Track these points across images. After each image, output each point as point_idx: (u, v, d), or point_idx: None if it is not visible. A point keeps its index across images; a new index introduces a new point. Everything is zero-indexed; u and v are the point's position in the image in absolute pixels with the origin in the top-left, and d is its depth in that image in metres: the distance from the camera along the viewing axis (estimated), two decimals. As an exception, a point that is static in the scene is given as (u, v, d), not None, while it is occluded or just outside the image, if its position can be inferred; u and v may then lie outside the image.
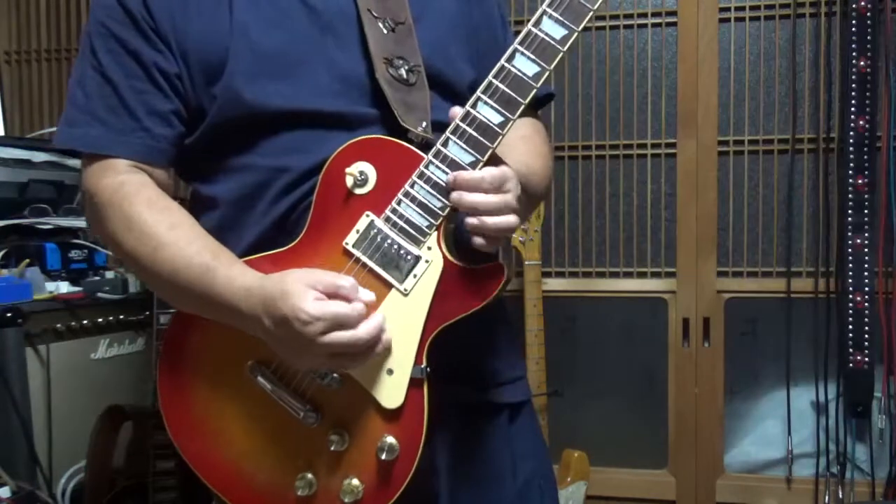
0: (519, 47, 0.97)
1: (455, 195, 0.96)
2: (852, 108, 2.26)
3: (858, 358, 2.28)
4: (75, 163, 2.25)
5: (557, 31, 0.97)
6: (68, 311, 1.93)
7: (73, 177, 2.27)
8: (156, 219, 1.01)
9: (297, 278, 0.94)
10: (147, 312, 2.07)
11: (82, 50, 1.08)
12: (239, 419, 1.05)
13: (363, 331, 0.92)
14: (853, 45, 2.24)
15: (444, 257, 0.98)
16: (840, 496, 2.34)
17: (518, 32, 1.00)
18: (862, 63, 2.24)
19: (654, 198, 2.49)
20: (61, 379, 1.87)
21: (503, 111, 0.97)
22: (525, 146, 1.14)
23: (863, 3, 2.23)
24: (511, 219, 0.96)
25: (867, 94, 2.25)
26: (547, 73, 0.97)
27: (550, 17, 0.97)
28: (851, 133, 2.26)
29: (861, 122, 2.25)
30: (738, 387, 2.49)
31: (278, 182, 1.03)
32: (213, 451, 1.07)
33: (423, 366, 0.98)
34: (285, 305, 0.91)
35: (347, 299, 0.93)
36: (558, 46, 0.97)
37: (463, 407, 1.11)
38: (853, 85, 2.25)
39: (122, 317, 2.05)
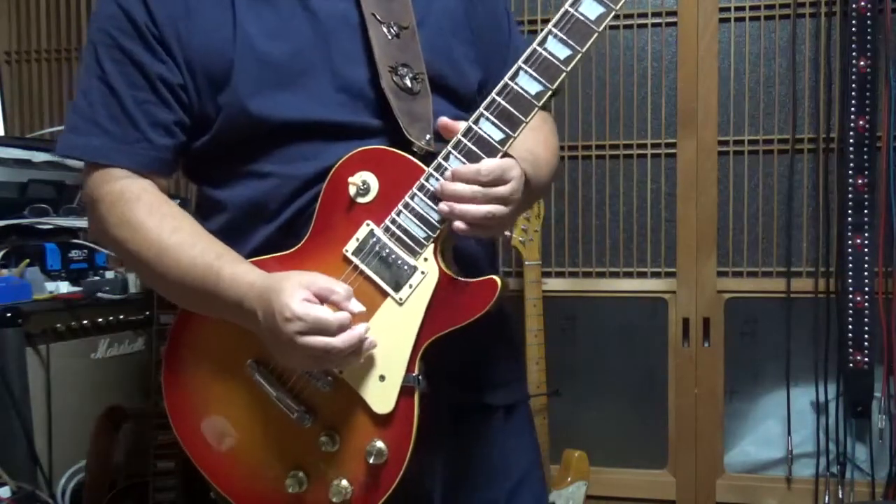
0: (523, 66, 0.98)
1: (439, 185, 0.98)
2: (852, 108, 2.26)
3: (858, 358, 2.28)
4: (75, 163, 2.25)
5: (562, 52, 0.98)
6: (68, 311, 1.92)
7: (73, 177, 2.27)
8: (157, 224, 1.03)
9: (294, 277, 0.96)
10: (147, 312, 2.07)
11: (87, 58, 1.08)
12: (236, 414, 1.07)
13: (340, 340, 0.94)
14: (853, 45, 2.24)
15: (440, 269, 1.00)
16: (840, 496, 2.34)
17: (531, 32, 1.00)
18: (862, 63, 2.24)
19: (654, 198, 2.49)
20: (61, 379, 1.87)
21: (504, 128, 0.98)
22: (533, 136, 1.14)
23: (863, 3, 2.23)
24: (492, 208, 0.97)
25: (867, 94, 2.25)
26: (549, 93, 0.98)
27: (556, 36, 0.98)
28: (851, 133, 2.26)
29: (861, 122, 2.25)
30: (738, 387, 2.49)
31: (284, 189, 1.05)
32: (211, 443, 1.09)
33: (414, 374, 1.00)
34: (276, 300, 0.94)
35: (338, 306, 0.95)
36: (562, 66, 0.98)
37: (458, 408, 1.12)
38: (853, 85, 2.25)
39: (122, 317, 2.05)
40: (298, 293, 0.94)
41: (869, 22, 2.23)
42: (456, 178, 0.97)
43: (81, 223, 2.20)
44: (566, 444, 2.40)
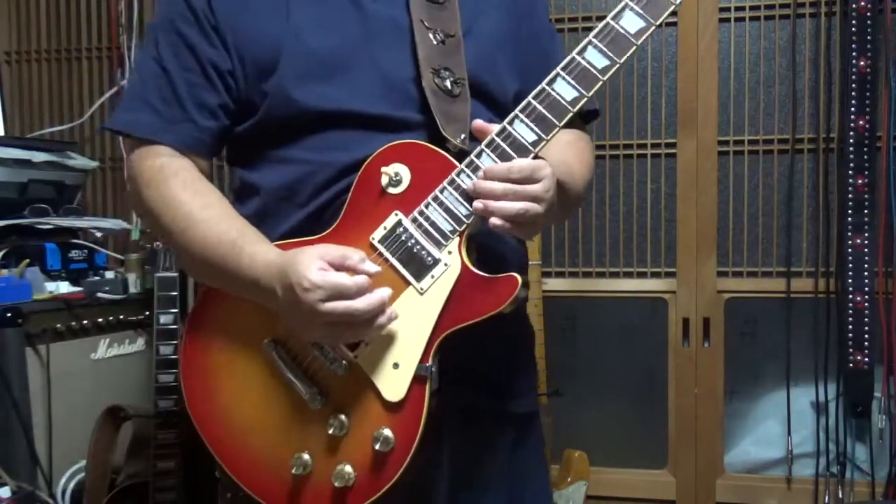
0: (561, 72, 1.02)
1: (470, 183, 1.00)
2: (852, 108, 2.26)
3: (858, 358, 2.28)
4: (75, 163, 2.26)
5: (600, 61, 1.02)
6: (68, 311, 1.93)
7: (73, 177, 2.27)
8: (189, 199, 1.07)
9: (308, 250, 0.99)
10: (147, 312, 2.07)
11: (147, 40, 1.15)
12: (249, 392, 1.09)
13: (361, 302, 0.96)
14: (853, 45, 2.24)
15: (463, 263, 1.02)
16: (840, 496, 2.34)
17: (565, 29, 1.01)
18: (862, 63, 2.24)
19: (654, 198, 2.49)
20: (61, 379, 1.87)
21: (538, 131, 1.01)
22: (568, 150, 1.18)
23: (863, 3, 2.23)
24: (526, 205, 0.99)
25: (867, 94, 2.25)
26: (585, 100, 1.02)
27: (595, 46, 1.02)
28: (851, 133, 2.26)
29: (861, 122, 2.25)
30: (738, 387, 2.49)
31: (319, 176, 1.08)
32: (221, 419, 1.11)
33: (428, 364, 1.01)
34: (293, 273, 0.96)
35: (354, 271, 0.97)
36: (599, 76, 1.02)
37: (473, 411, 1.13)
38: (853, 85, 2.25)
39: (122, 317, 2.05)
40: (314, 263, 0.96)
41: (869, 22, 2.23)
42: (488, 176, 1.00)
43: (81, 223, 2.21)
44: (566, 444, 2.40)
